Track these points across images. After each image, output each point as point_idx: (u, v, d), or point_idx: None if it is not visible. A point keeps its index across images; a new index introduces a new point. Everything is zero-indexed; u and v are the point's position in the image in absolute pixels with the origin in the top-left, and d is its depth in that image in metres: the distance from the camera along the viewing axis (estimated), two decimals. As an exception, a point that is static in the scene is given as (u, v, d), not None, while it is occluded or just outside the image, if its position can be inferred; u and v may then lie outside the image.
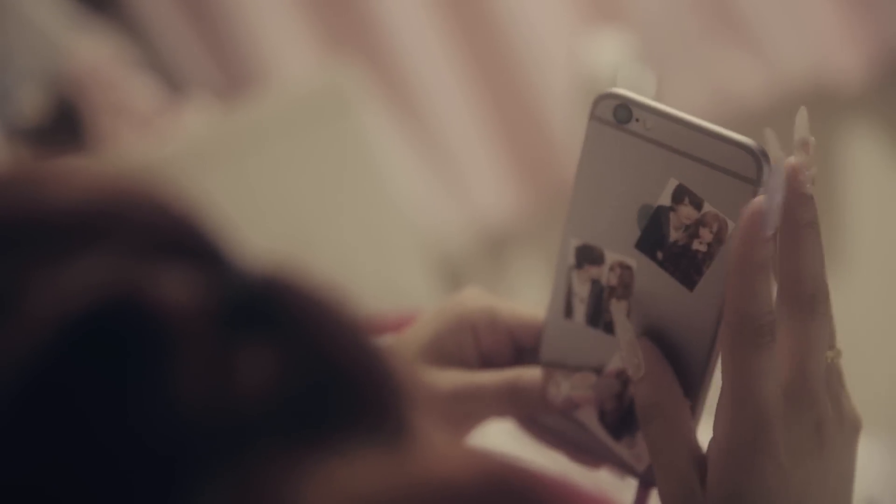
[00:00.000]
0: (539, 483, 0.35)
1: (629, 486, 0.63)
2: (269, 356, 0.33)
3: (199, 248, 0.36)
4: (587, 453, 0.64)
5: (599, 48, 1.81)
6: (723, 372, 0.56)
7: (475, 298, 0.65)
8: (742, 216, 0.54)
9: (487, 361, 0.64)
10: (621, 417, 0.62)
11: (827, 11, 1.86)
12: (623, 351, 0.59)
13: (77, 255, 0.34)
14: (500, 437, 0.72)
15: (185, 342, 0.33)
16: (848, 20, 1.87)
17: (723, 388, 0.56)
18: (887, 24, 1.88)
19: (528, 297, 1.90)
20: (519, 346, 0.65)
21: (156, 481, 0.32)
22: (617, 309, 0.60)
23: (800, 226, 0.55)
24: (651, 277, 0.59)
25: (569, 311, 0.63)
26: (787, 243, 0.55)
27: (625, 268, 0.60)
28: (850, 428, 0.57)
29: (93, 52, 1.68)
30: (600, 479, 0.67)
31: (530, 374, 0.63)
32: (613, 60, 1.76)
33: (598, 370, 0.62)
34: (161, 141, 1.63)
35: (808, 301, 0.55)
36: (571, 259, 0.61)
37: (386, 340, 0.66)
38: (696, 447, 0.57)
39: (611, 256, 0.60)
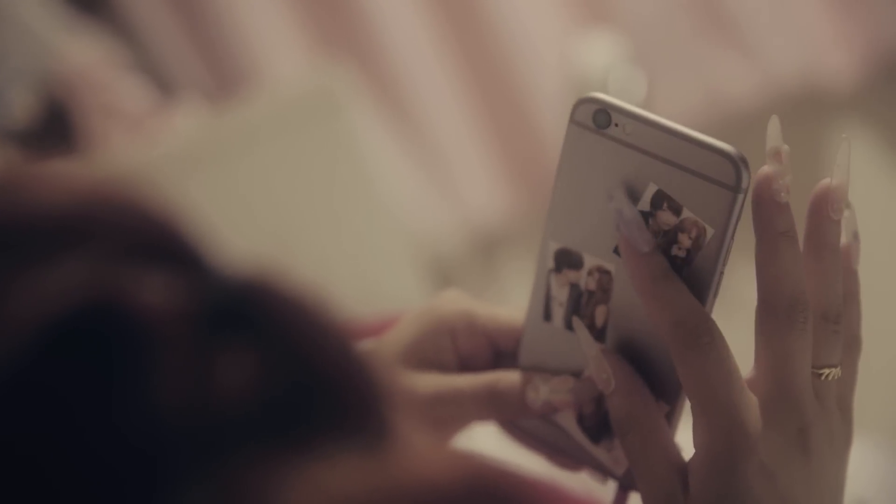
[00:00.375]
0: (523, 485, 0.35)
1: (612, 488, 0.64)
2: (249, 359, 0.33)
3: (180, 252, 0.36)
4: (567, 457, 0.64)
5: (590, 50, 1.81)
6: (682, 382, 0.56)
7: (454, 302, 0.65)
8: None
9: (466, 365, 0.64)
10: (600, 421, 0.62)
11: (818, 12, 1.86)
12: (591, 366, 0.59)
13: (58, 259, 0.34)
14: (486, 441, 0.72)
15: (165, 345, 0.32)
16: (839, 21, 1.87)
17: (689, 399, 0.56)
18: (878, 24, 1.88)
19: (518, 298, 1.89)
20: (498, 350, 0.65)
21: (138, 484, 0.32)
22: (579, 325, 0.60)
23: (775, 235, 0.55)
24: (630, 282, 0.59)
25: (547, 315, 0.63)
26: (763, 253, 0.55)
27: (603, 272, 0.60)
28: (840, 442, 0.57)
29: (83, 54, 1.68)
30: (587, 483, 0.67)
31: (509, 377, 0.63)
32: (604, 62, 1.76)
33: (577, 374, 0.62)
34: (151, 143, 1.63)
35: (784, 311, 0.55)
36: (550, 262, 0.61)
37: (366, 344, 0.66)
38: (675, 453, 0.57)
39: (590, 261, 0.60)
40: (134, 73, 1.75)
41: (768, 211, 0.55)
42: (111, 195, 0.37)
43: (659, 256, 0.56)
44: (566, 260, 0.61)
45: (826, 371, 0.56)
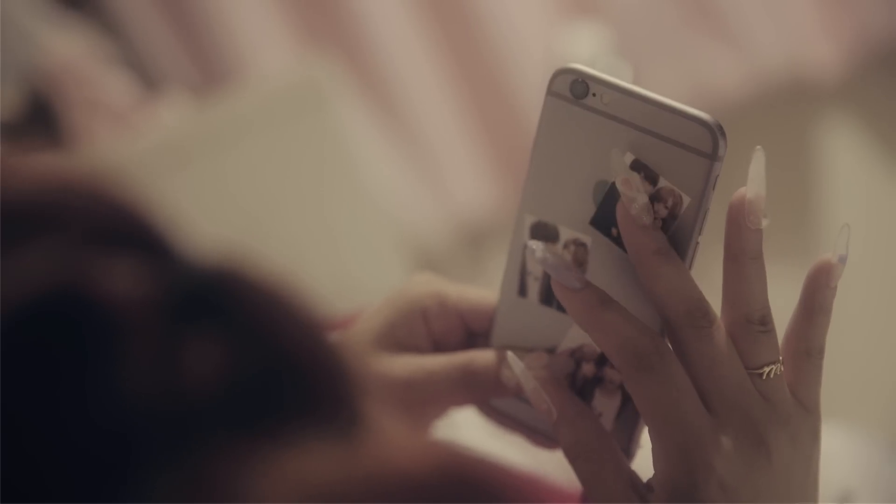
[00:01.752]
0: (498, 474, 0.34)
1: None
2: (218, 347, 0.33)
3: (148, 240, 0.35)
4: (543, 435, 0.64)
5: (577, 41, 1.80)
6: (636, 405, 0.56)
7: (424, 284, 0.65)
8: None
9: (440, 346, 0.64)
10: None
11: (805, 3, 1.86)
12: (530, 398, 0.59)
13: (23, 246, 0.33)
14: (469, 432, 0.72)
15: (132, 333, 0.32)
16: (826, 12, 1.87)
17: (644, 421, 0.56)
18: (865, 15, 1.88)
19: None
20: (471, 330, 0.65)
21: (104, 473, 0.31)
22: (515, 361, 0.59)
23: (648, 256, 0.55)
24: (606, 254, 0.59)
25: (522, 290, 0.62)
26: (645, 276, 0.56)
27: (579, 245, 0.59)
28: (805, 438, 0.57)
29: (67, 49, 1.67)
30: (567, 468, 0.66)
31: (483, 357, 0.62)
32: (590, 53, 1.76)
33: (552, 350, 0.62)
34: (136, 137, 1.63)
35: (683, 323, 0.55)
36: (526, 236, 0.61)
37: (336, 335, 0.65)
38: (628, 471, 0.57)
39: (566, 233, 0.60)
40: (118, 68, 1.74)
41: (634, 236, 0.56)
42: (79, 184, 0.36)
43: (592, 288, 0.57)
44: (542, 233, 0.60)
45: (766, 370, 0.56)
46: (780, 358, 0.56)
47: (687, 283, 0.55)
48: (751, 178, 0.55)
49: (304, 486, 0.32)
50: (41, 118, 1.63)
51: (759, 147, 0.55)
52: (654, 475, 0.55)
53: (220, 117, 1.64)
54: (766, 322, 0.56)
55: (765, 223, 0.56)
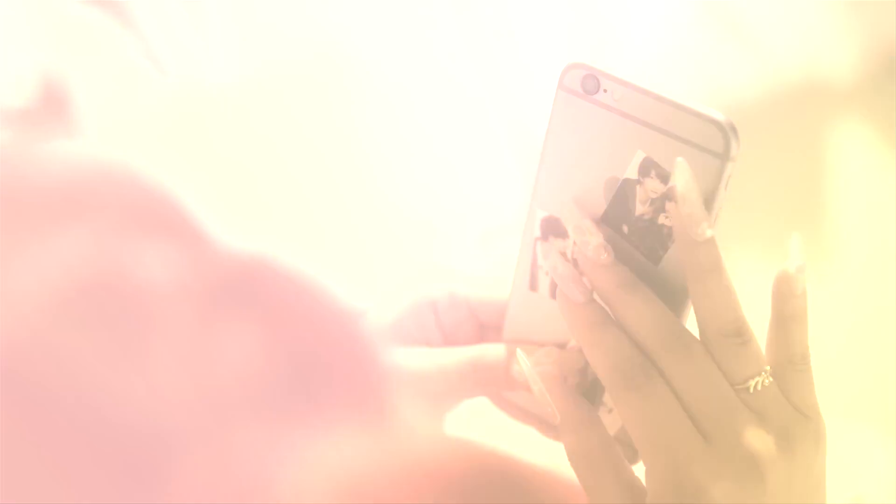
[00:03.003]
0: (521, 470, 0.35)
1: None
2: (249, 336, 0.33)
3: (181, 228, 0.36)
4: (554, 428, 0.64)
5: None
6: (626, 426, 0.55)
7: (434, 276, 0.65)
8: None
9: (451, 339, 0.64)
10: (585, 392, 0.62)
11: (820, 4, 1.86)
12: (537, 400, 0.59)
13: (59, 234, 0.34)
14: (485, 424, 0.72)
15: (165, 320, 0.32)
16: (841, 13, 1.87)
17: (634, 442, 0.55)
18: (881, 17, 1.88)
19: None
20: (482, 323, 0.65)
21: (134, 458, 0.32)
22: (523, 360, 0.59)
23: (612, 290, 0.56)
24: (616, 251, 0.58)
25: (533, 284, 0.62)
26: (613, 311, 0.56)
27: None
28: (807, 445, 0.56)
29: (84, 35, 1.68)
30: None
31: (493, 351, 0.62)
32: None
33: (562, 345, 0.62)
34: (150, 124, 1.63)
35: (658, 349, 0.55)
36: (537, 231, 0.61)
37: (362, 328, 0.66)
38: (628, 478, 0.56)
39: None
40: (133, 54, 1.75)
41: (596, 275, 0.56)
42: (113, 171, 0.36)
43: (595, 304, 0.57)
44: (553, 228, 0.60)
45: (751, 383, 0.55)
46: (767, 368, 0.56)
47: (655, 311, 0.55)
48: (680, 190, 0.54)
49: (332, 476, 0.32)
50: (55, 105, 1.63)
51: (679, 158, 0.55)
52: (648, 496, 0.55)
53: (235, 105, 1.64)
54: (741, 333, 0.55)
55: (710, 233, 0.55)
